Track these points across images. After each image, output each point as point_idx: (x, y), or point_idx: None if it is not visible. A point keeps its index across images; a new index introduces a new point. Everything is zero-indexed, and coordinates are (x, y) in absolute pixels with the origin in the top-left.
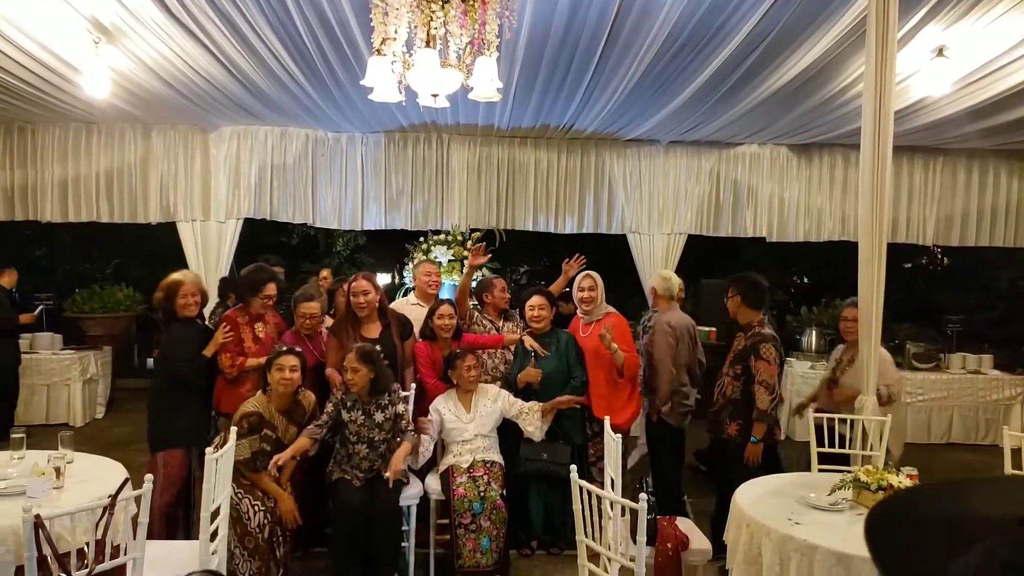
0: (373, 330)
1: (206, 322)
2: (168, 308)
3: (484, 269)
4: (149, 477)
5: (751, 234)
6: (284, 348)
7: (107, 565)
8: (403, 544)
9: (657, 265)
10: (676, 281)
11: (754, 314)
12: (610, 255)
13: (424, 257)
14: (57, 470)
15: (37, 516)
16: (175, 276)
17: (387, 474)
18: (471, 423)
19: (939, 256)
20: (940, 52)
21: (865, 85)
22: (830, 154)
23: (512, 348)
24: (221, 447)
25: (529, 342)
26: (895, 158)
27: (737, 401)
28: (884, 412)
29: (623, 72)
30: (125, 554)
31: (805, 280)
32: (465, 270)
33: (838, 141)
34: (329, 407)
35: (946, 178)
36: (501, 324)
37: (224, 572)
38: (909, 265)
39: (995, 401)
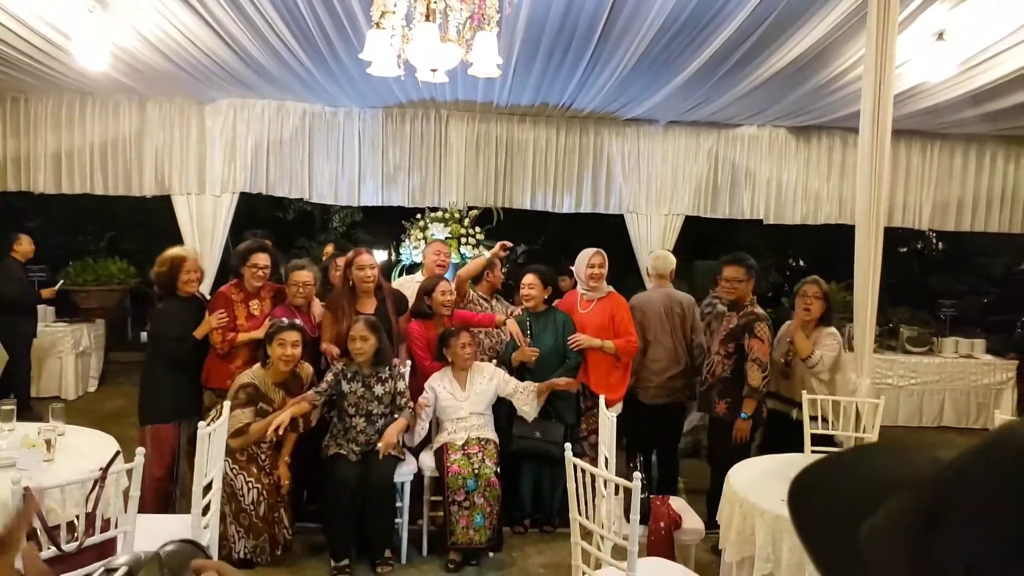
0: (369, 305)
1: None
2: (168, 282)
3: (482, 247)
4: (141, 450)
5: (748, 216)
6: (286, 323)
7: (97, 539)
8: (396, 520)
9: (654, 246)
10: (672, 260)
11: (749, 294)
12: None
13: (418, 235)
14: (48, 442)
15: (27, 488)
16: (178, 251)
17: (379, 446)
18: (466, 401)
19: (934, 241)
20: (940, 36)
21: (865, 69)
22: (829, 137)
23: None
24: (215, 421)
25: (511, 327)
26: (893, 141)
27: (727, 379)
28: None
29: (623, 51)
30: (116, 528)
31: (801, 263)
32: (483, 256)
33: (837, 124)
34: (329, 376)
35: (943, 163)
36: (493, 303)
37: (214, 545)
38: (904, 250)
39: (987, 385)
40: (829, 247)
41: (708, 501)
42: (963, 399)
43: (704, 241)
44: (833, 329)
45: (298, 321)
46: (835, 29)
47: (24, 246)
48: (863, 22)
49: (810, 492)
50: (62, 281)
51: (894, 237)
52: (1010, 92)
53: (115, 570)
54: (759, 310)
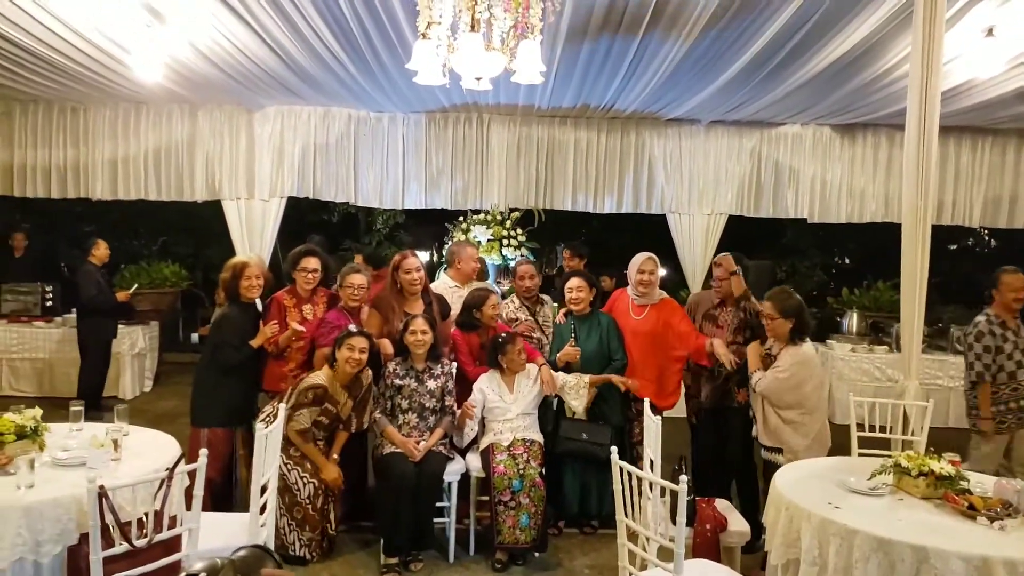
0: (416, 307)
1: None
2: (231, 288)
3: (524, 248)
4: (204, 452)
5: (793, 215)
6: (355, 329)
7: (165, 535)
8: (444, 519)
9: (697, 246)
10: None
11: (746, 288)
12: (646, 236)
13: (458, 237)
14: (115, 442)
15: (101, 487)
16: (241, 257)
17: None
18: (514, 403)
19: (986, 238)
20: (990, 32)
21: (912, 66)
22: (874, 135)
23: (551, 329)
24: (270, 422)
25: (545, 374)
26: (942, 138)
27: (743, 368)
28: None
29: (665, 52)
30: (181, 525)
31: (847, 261)
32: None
33: (883, 121)
34: (385, 374)
35: (995, 159)
36: (537, 310)
37: (271, 545)
38: (955, 247)
39: None
40: (876, 246)
41: (747, 501)
42: None
43: (748, 241)
44: (804, 352)
45: (352, 324)
46: (882, 26)
47: (101, 251)
48: (910, 19)
49: None
50: (136, 285)
51: (944, 234)
52: None
53: (195, 575)
54: (754, 301)
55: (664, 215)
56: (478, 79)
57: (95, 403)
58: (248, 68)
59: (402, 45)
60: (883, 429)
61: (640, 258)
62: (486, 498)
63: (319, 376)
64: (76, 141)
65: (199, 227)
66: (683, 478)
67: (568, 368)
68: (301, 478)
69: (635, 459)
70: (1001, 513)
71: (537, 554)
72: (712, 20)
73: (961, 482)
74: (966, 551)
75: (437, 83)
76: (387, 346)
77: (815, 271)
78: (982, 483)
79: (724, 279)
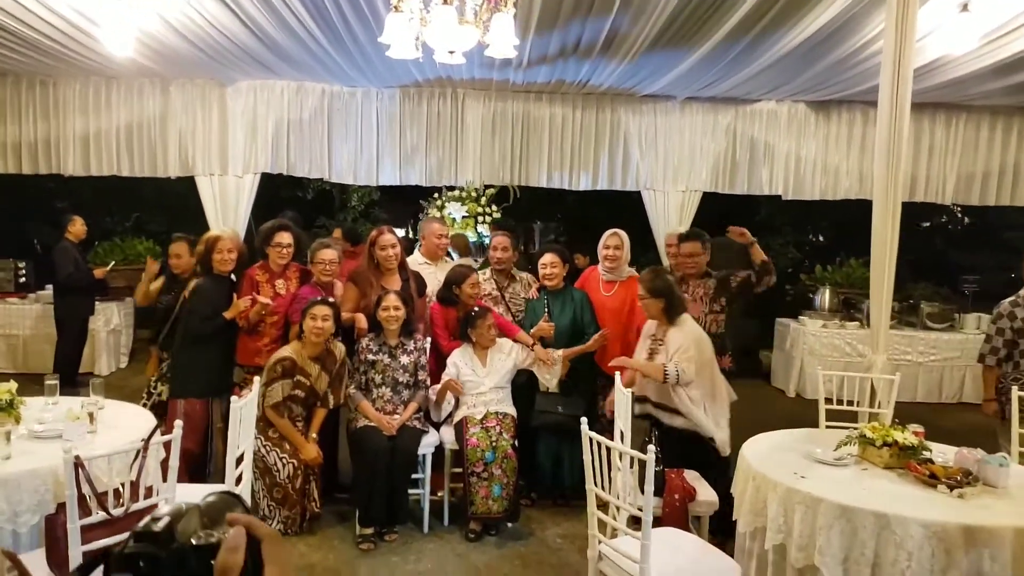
0: (394, 283)
1: None
2: (205, 261)
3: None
4: (179, 423)
5: (767, 192)
6: (319, 299)
7: (141, 504)
8: (418, 491)
9: (671, 223)
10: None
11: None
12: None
13: (433, 214)
14: (91, 415)
15: (77, 457)
16: (215, 231)
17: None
18: (487, 377)
19: (959, 215)
20: (965, 7)
21: (885, 42)
22: (849, 111)
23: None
24: (245, 396)
25: (538, 353)
26: (915, 115)
27: (723, 335)
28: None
29: (640, 27)
30: (157, 495)
31: (820, 238)
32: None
33: (857, 98)
34: (358, 349)
35: (968, 136)
36: (506, 285)
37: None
38: (927, 224)
39: None
40: (850, 223)
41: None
42: None
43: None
44: (688, 323)
45: (331, 298)
46: (855, 2)
47: (77, 227)
48: None
49: None
50: (114, 263)
51: (917, 211)
52: None
53: (159, 519)
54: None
55: (639, 192)
56: (451, 52)
57: (71, 379)
58: (220, 42)
59: (375, 18)
60: (852, 403)
61: (606, 234)
62: (460, 470)
63: (286, 349)
64: (46, 115)
65: (173, 204)
66: (650, 448)
67: (543, 343)
68: (280, 459)
69: (603, 431)
70: (961, 481)
71: (509, 524)
72: None
73: (924, 452)
74: (925, 518)
75: (410, 57)
76: (361, 320)
77: (788, 248)
78: (945, 453)
79: (683, 256)
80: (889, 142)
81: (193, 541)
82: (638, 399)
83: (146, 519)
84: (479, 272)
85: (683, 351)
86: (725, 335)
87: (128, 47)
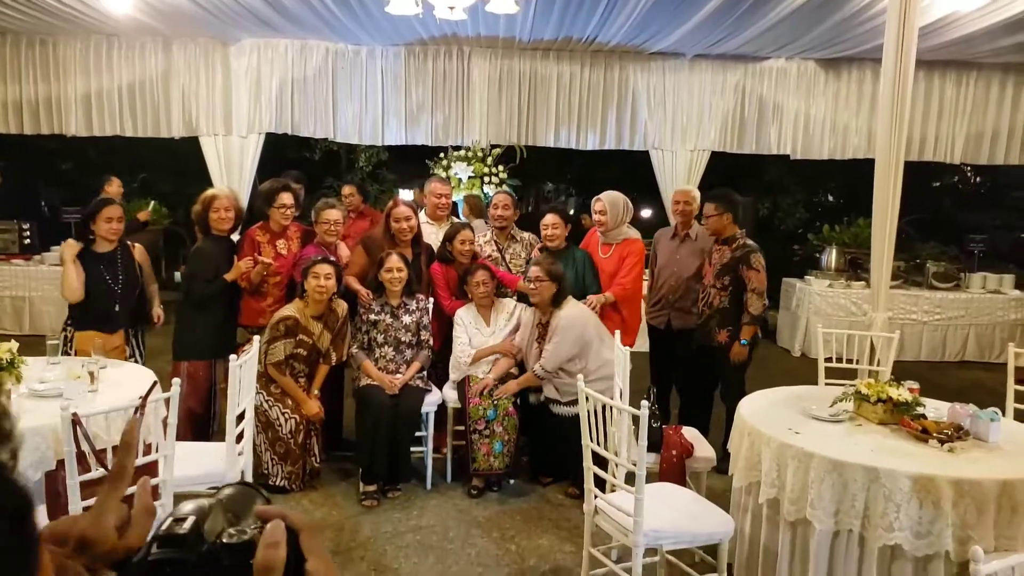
0: (407, 254)
1: None
2: (203, 221)
3: (504, 186)
4: (176, 381)
5: (776, 151)
6: (319, 258)
7: (140, 461)
8: (422, 449)
9: (680, 183)
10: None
11: (736, 227)
12: (631, 171)
13: (439, 173)
14: (91, 374)
15: (74, 414)
16: (211, 190)
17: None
18: (491, 337)
19: (970, 176)
20: None
21: None
22: (859, 69)
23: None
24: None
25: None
26: (925, 73)
27: (726, 310)
28: None
29: None
30: (156, 452)
31: (831, 198)
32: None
33: (868, 56)
34: (361, 310)
35: (979, 94)
36: (506, 246)
37: (248, 472)
38: (938, 184)
39: (1014, 320)
40: (859, 182)
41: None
42: (988, 334)
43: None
44: (567, 303)
45: (331, 257)
46: None
47: (114, 187)
48: None
49: None
50: (153, 202)
51: (927, 171)
52: None
53: (183, 519)
54: (750, 242)
55: (648, 152)
56: (451, 8)
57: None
58: None
59: None
60: (852, 361)
61: (593, 200)
62: (462, 428)
63: (289, 308)
64: (47, 75)
65: (179, 165)
66: (644, 402)
67: None
68: (283, 414)
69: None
70: (952, 436)
71: (511, 480)
72: None
73: (917, 408)
74: (914, 471)
75: (410, 12)
76: (363, 292)
77: (797, 208)
78: (939, 409)
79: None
80: (893, 100)
81: (224, 540)
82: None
83: (167, 521)
84: (483, 233)
85: (558, 336)
86: (728, 311)
87: (127, 3)
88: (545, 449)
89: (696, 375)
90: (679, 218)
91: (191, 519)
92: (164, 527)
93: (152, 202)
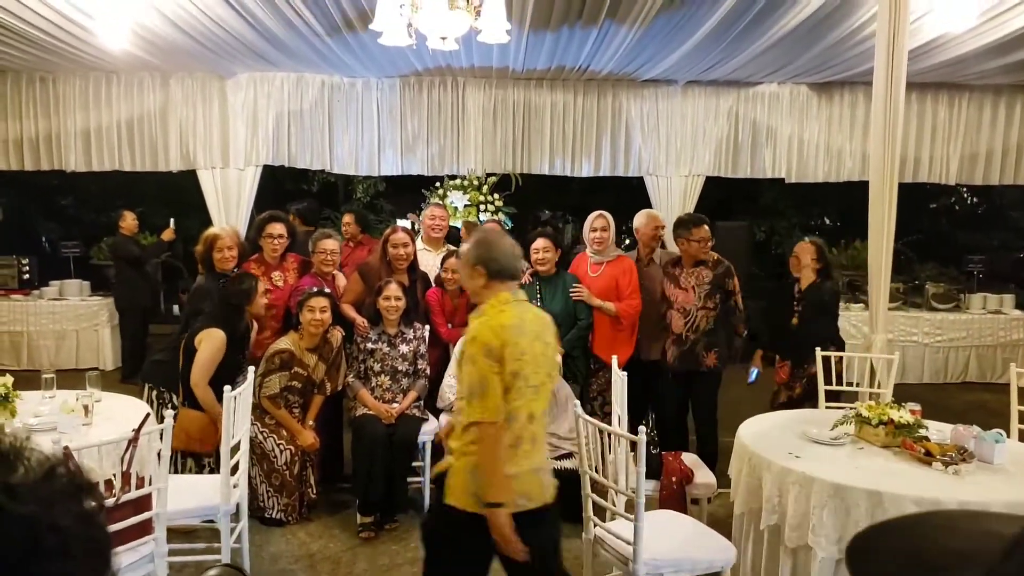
0: (404, 281)
1: None
2: (206, 260)
3: (500, 214)
4: (169, 412)
5: (770, 175)
6: (315, 290)
7: (133, 494)
8: (419, 479)
9: (675, 208)
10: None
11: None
12: (626, 198)
13: (434, 200)
14: (85, 408)
15: (65, 447)
16: (214, 229)
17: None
18: None
19: (966, 196)
20: None
21: (879, 21)
22: (851, 92)
23: None
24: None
25: None
26: (918, 95)
27: (712, 331)
28: None
29: (637, 9)
30: (150, 484)
31: (827, 221)
32: None
33: (859, 79)
34: (358, 339)
35: (971, 115)
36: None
37: (244, 504)
38: (934, 205)
39: (1015, 340)
40: (855, 205)
41: (707, 458)
42: (989, 354)
43: (726, 203)
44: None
45: (327, 289)
46: None
47: (128, 221)
48: None
49: (872, 554)
50: (172, 220)
51: (924, 193)
52: None
53: None
54: (724, 260)
55: (642, 178)
56: (443, 39)
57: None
58: (217, 34)
59: (370, 6)
60: (852, 384)
61: (592, 216)
62: None
63: (284, 341)
64: (47, 112)
65: (177, 198)
66: (641, 428)
67: None
68: (277, 445)
69: (593, 413)
70: (956, 458)
71: None
72: None
73: (920, 430)
74: (919, 495)
75: (403, 43)
76: (360, 321)
77: (794, 231)
78: (942, 431)
79: (696, 242)
80: (885, 122)
81: None
82: None
83: None
84: None
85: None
86: (714, 332)
87: (123, 40)
88: None
89: (674, 400)
90: (654, 244)
91: None
92: None
93: (172, 220)
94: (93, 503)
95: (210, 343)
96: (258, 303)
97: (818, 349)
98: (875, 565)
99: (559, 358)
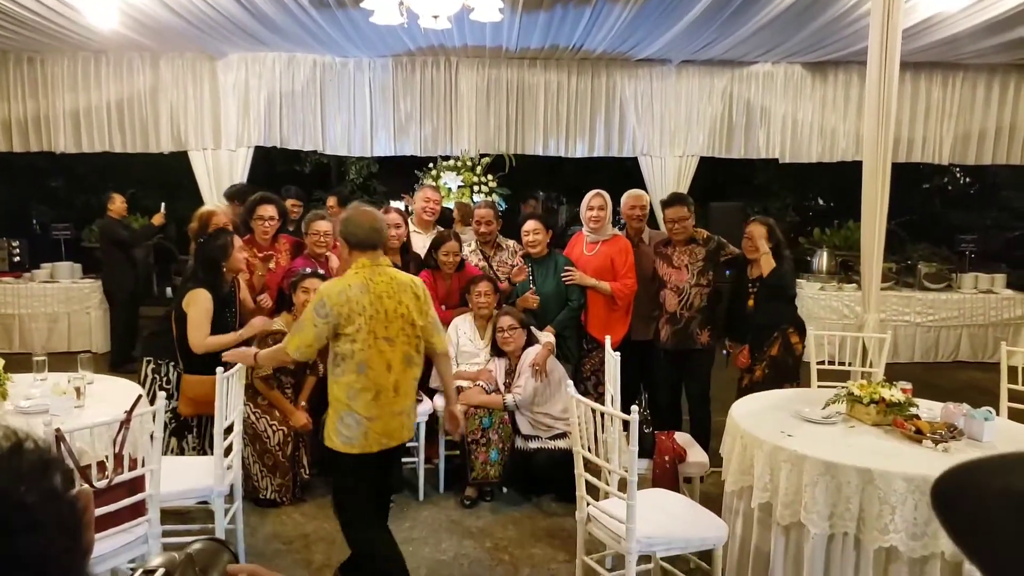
0: (397, 262)
1: None
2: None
3: (494, 195)
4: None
5: (764, 155)
6: (308, 271)
7: (126, 476)
8: (413, 459)
9: (669, 188)
10: None
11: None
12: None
13: (428, 182)
14: (77, 390)
15: (57, 429)
16: (209, 207)
17: None
18: (484, 349)
19: (959, 177)
20: None
21: (873, 1)
22: (845, 72)
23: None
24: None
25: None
26: (912, 75)
27: (705, 309)
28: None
29: None
30: (143, 466)
31: (821, 201)
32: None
33: (854, 59)
34: None
35: (965, 95)
36: (493, 254)
37: (238, 485)
38: (927, 186)
39: (1006, 320)
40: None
41: (700, 436)
42: (981, 334)
43: (720, 183)
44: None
45: (320, 271)
46: None
47: (117, 204)
48: None
49: (959, 495)
50: (164, 204)
51: (917, 173)
52: None
53: (153, 571)
54: (713, 236)
55: (636, 158)
56: (435, 17)
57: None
58: (207, 13)
59: None
60: (844, 363)
61: (589, 195)
62: (453, 438)
63: (277, 322)
64: (35, 93)
65: (168, 180)
66: (634, 408)
67: (528, 313)
68: (270, 426)
69: (587, 392)
70: (946, 436)
71: (504, 489)
72: None
73: (911, 408)
74: (908, 472)
75: (395, 22)
76: None
77: (788, 212)
78: (932, 409)
79: (668, 222)
80: (879, 102)
81: None
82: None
83: (139, 571)
84: (468, 243)
85: (527, 374)
86: (708, 309)
87: (112, 19)
88: (529, 483)
89: (667, 380)
90: (637, 224)
91: (160, 572)
92: None
93: (163, 204)
94: (62, 479)
95: (196, 305)
96: (236, 258)
97: (812, 329)
98: (968, 503)
99: (431, 315)
